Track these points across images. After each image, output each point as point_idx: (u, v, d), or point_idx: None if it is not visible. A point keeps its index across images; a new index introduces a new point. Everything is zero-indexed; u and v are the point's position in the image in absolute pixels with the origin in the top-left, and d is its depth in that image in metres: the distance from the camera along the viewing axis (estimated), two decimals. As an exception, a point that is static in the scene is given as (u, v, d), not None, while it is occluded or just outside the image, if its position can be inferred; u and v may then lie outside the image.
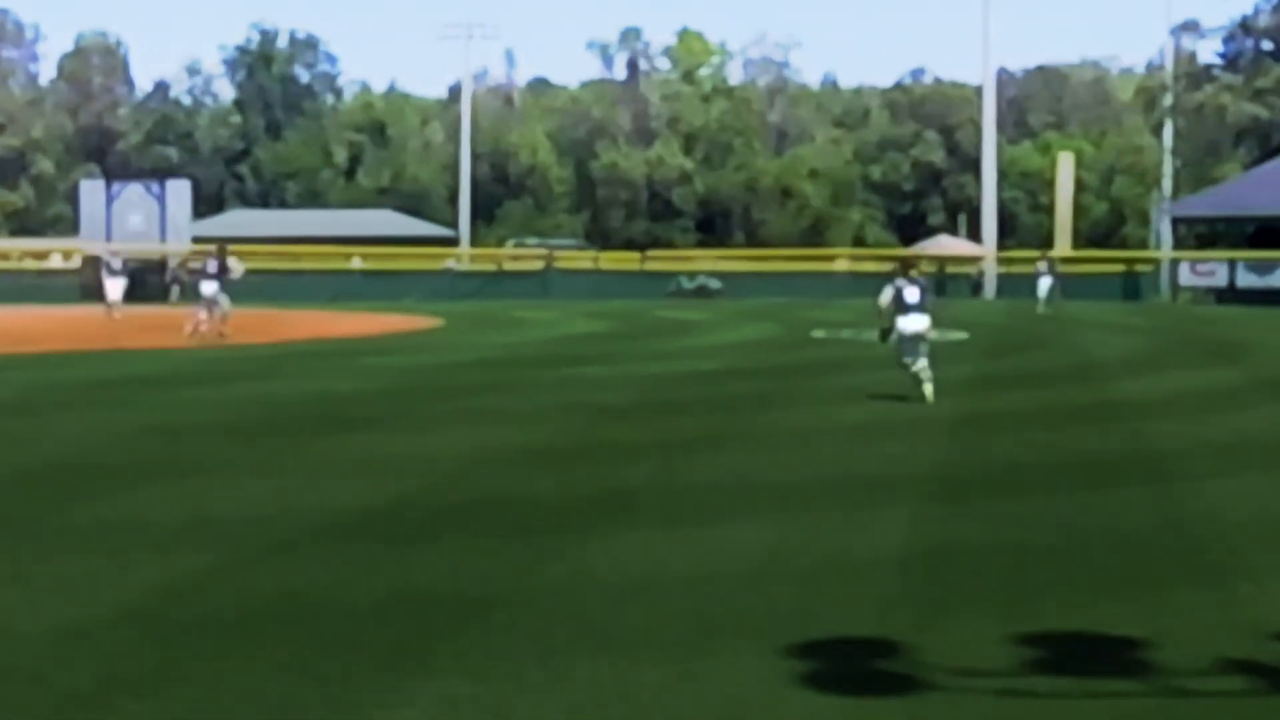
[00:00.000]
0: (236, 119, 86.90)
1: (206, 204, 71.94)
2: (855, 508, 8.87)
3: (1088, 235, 69.68)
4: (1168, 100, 57.45)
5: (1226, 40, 60.63)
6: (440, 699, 5.16)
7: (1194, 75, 59.22)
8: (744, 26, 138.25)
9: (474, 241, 66.07)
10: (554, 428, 13.04)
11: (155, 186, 48.67)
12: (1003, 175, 64.14)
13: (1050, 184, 62.87)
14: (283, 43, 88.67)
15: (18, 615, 6.25)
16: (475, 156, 67.76)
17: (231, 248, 29.89)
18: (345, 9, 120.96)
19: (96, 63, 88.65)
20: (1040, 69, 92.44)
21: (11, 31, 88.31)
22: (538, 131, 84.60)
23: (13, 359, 21.53)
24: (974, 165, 64.96)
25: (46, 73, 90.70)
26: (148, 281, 43.41)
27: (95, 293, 38.74)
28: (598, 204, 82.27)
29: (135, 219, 46.80)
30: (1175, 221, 53.46)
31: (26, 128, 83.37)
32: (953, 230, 77.25)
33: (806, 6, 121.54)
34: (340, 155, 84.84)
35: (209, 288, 26.67)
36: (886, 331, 15.61)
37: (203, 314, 26.41)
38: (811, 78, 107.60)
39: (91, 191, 48.55)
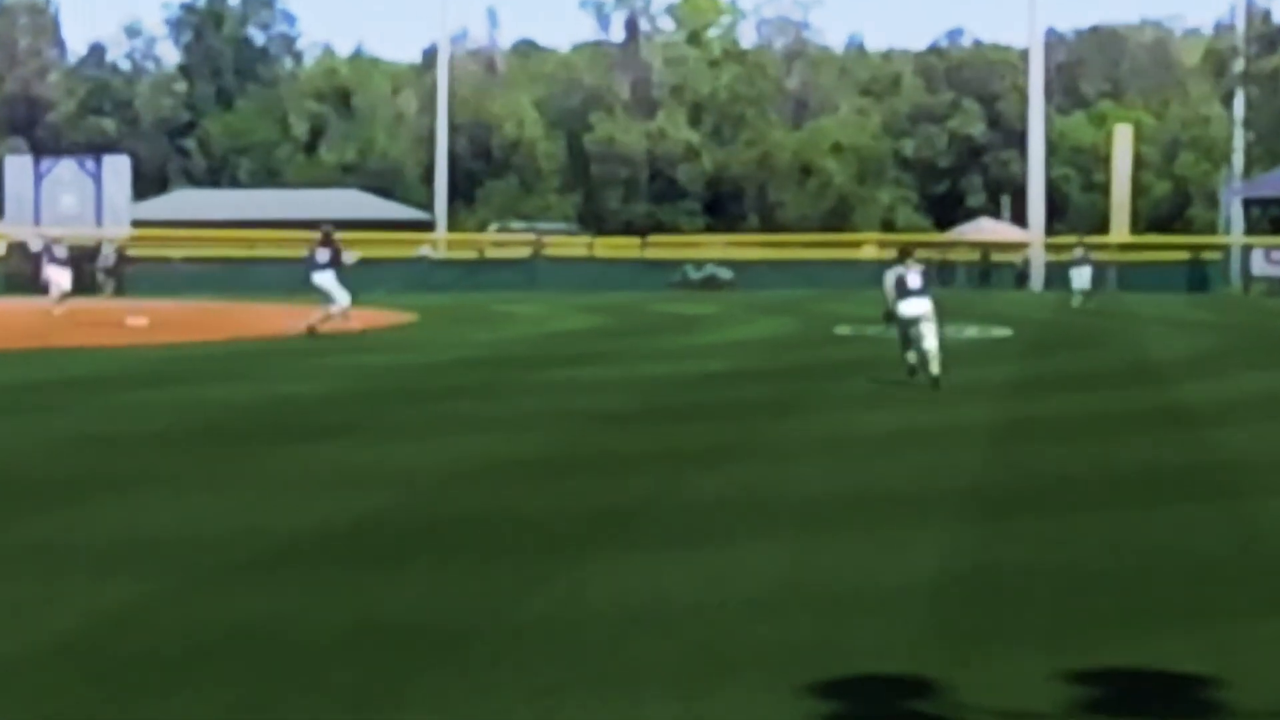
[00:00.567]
0: (182, 87, 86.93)
1: (148, 183, 71.89)
2: (883, 527, 8.88)
3: (1148, 218, 69.78)
4: (1238, 66, 57.48)
5: (1305, -3, 60.70)
6: (414, 743, 5.17)
7: (1268, 37, 59.23)
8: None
9: (452, 225, 66.08)
10: (543, 437, 13.05)
11: (90, 163, 48.68)
12: (1051, 150, 64.22)
13: (1105, 160, 62.96)
14: (234, 0, 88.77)
15: (-65, 649, 6.25)
16: (453, 129, 67.72)
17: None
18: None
19: (23, 23, 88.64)
20: (1094, 30, 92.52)
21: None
22: (524, 101, 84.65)
23: (-71, 359, 21.54)
24: (1019, 139, 65.01)
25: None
26: (82, 271, 43.46)
27: (27, 284, 38.76)
28: (592, 183, 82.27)
29: (68, 200, 46.81)
30: (1247, 203, 53.52)
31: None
32: (995, 213, 77.31)
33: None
34: (300, 128, 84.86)
35: (324, 279, 26.23)
36: (890, 315, 17.46)
37: (334, 308, 26.19)
38: (835, 40, 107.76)
39: (18, 168, 48.51)
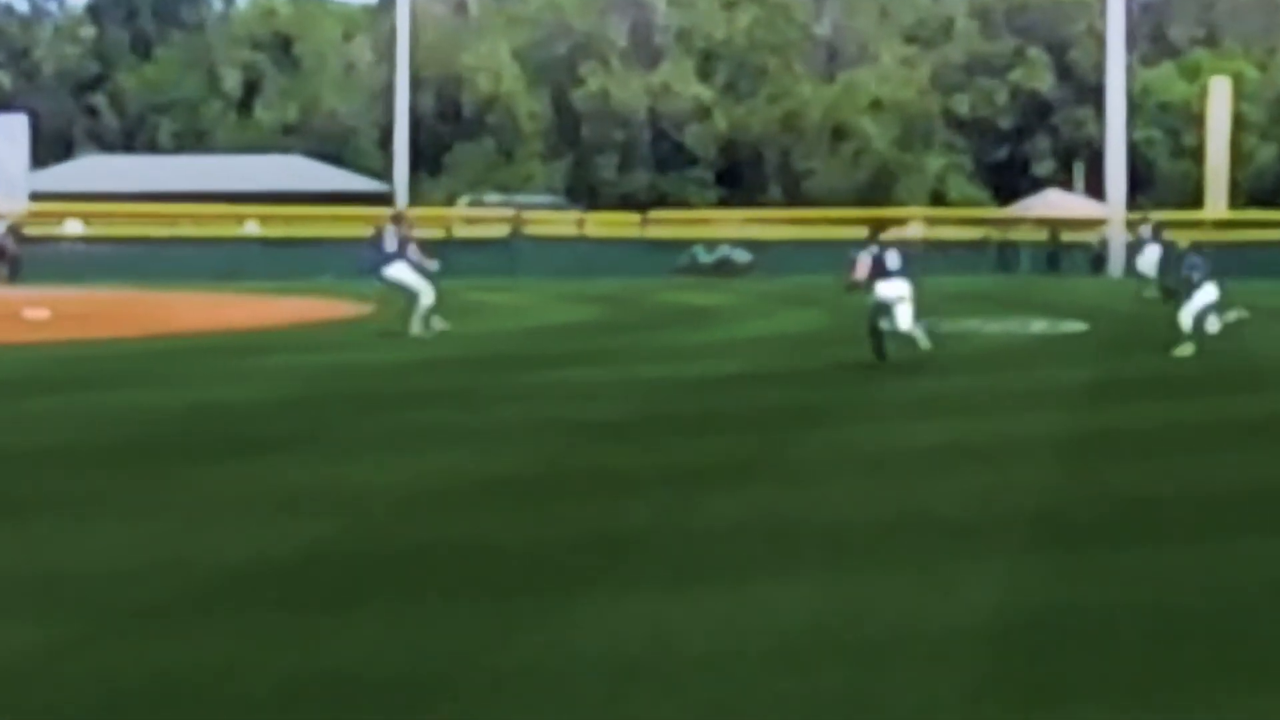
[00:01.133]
0: (90, 33, 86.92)
1: (50, 147, 71.86)
2: (931, 561, 8.88)
3: (1250, 190, 69.68)
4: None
5: None
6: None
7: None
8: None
9: (414, 198, 65.95)
10: (524, 452, 13.05)
11: (-21, 124, 48.66)
12: (1134, 108, 64.15)
13: (1199, 120, 62.94)
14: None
15: None
16: (415, 83, 67.65)
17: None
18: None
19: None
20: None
21: None
22: (500, 50, 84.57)
23: None
24: (1095, 95, 65.00)
25: None
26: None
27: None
28: (582, 148, 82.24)
29: (-49, 168, 46.85)
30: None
31: None
32: (1066, 183, 77.28)
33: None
34: (231, 81, 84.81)
35: (398, 272, 25.83)
36: (853, 286, 20.07)
37: (422, 304, 25.48)
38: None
39: (-106, 131, 48.61)
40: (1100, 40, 60.69)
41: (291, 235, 52.10)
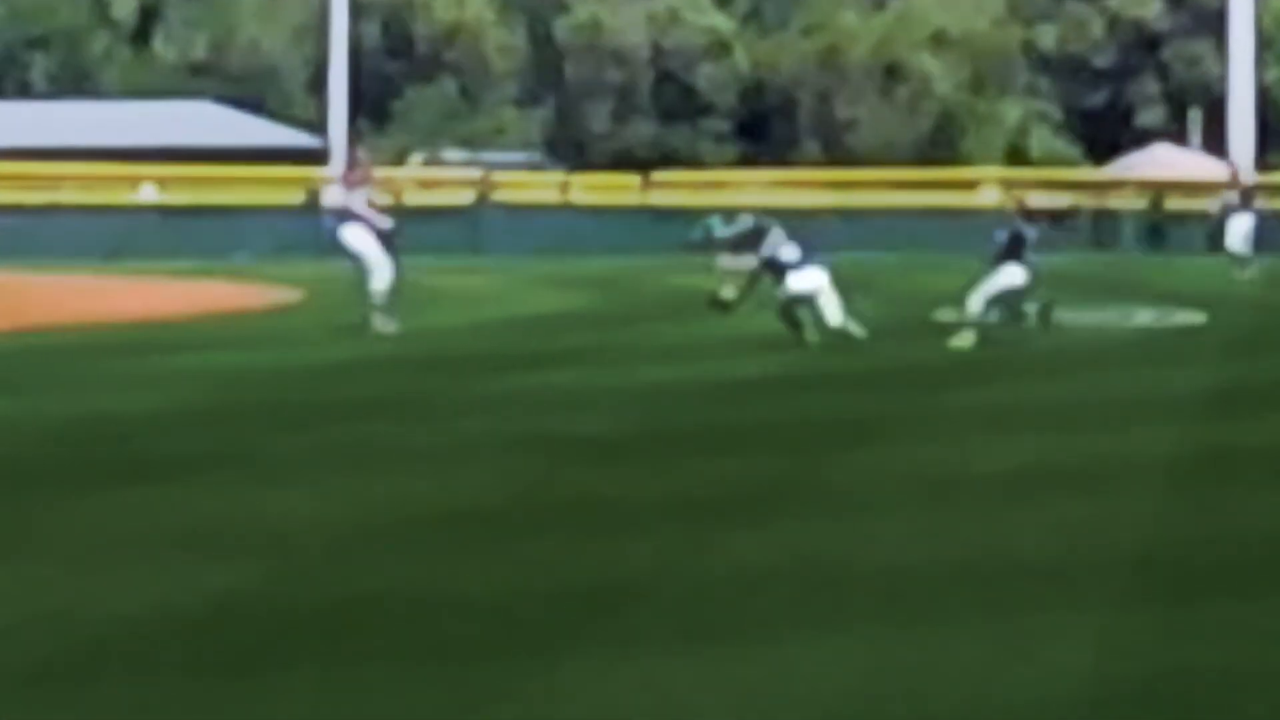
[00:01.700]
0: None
1: (-105, 91, 71.87)
2: (1008, 613, 8.87)
3: None
4: None
5: None
6: None
7: None
8: None
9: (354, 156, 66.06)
10: (493, 476, 13.04)
11: None
12: (1265, 43, 64.16)
13: (1346, 58, 62.92)
14: None
15: None
16: (356, 10, 67.71)
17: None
18: None
19: None
20: None
21: None
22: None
23: None
24: (1215, 25, 64.93)
25: None
26: None
27: None
28: (567, 92, 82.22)
29: None
30: None
31: None
32: (1179, 136, 77.28)
33: None
34: (124, 8, 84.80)
35: (354, 236, 25.57)
36: (720, 303, 22.49)
37: (375, 284, 25.36)
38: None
39: None
40: (1221, -44, 60.72)
41: (199, 202, 52.08)
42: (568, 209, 55.44)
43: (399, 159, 69.12)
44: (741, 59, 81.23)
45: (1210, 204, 55.90)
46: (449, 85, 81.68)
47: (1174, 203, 56.99)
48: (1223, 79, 59.74)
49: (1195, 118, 78.06)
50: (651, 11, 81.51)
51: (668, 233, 51.25)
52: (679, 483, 12.69)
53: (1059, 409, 16.91)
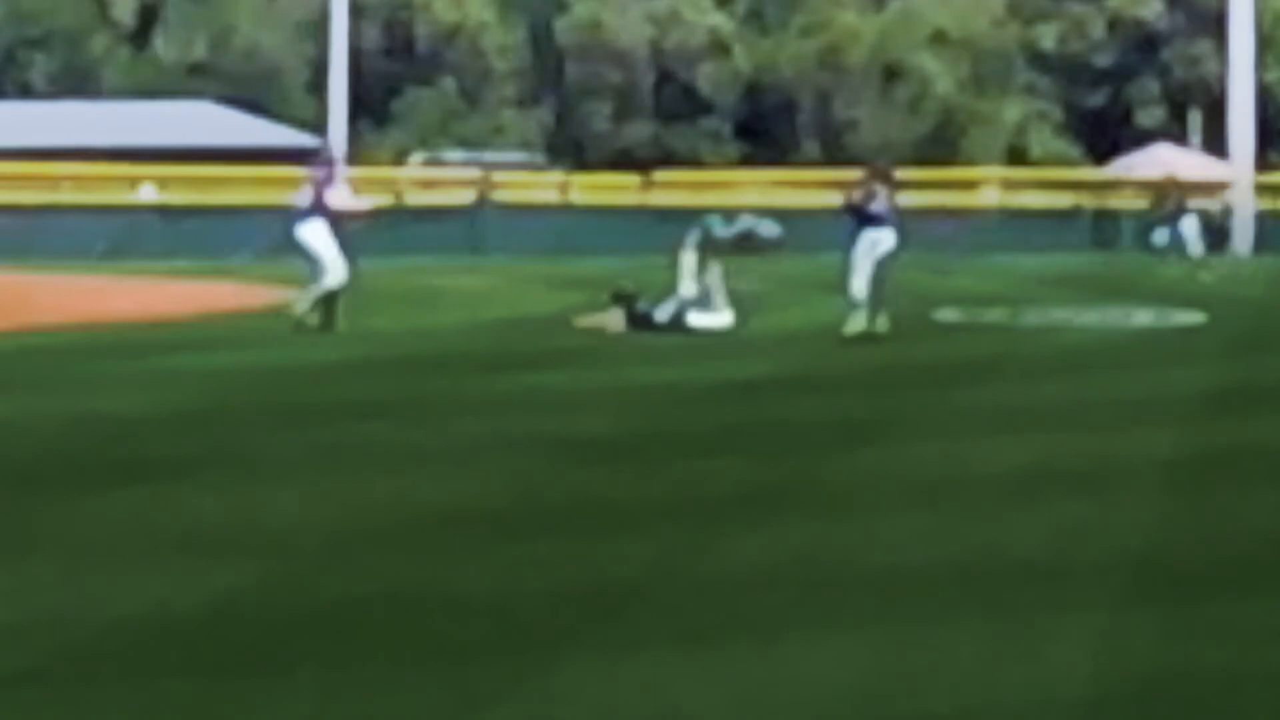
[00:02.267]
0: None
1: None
2: (1009, 614, 8.86)
3: None
4: None
5: None
6: None
7: None
8: None
9: (355, 156, 66.01)
10: (492, 477, 13.03)
11: None
12: (1265, 44, 64.16)
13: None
14: None
15: None
16: (357, 11, 67.73)
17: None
18: None
19: None
20: None
21: None
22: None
23: None
24: (1215, 25, 64.92)
25: None
26: None
27: None
28: (567, 92, 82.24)
29: None
30: None
31: None
32: (1179, 135, 77.31)
33: None
34: (124, 8, 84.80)
35: (310, 233, 25.60)
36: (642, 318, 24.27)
37: (321, 283, 25.28)
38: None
39: None
40: (1221, -45, 60.73)
41: (199, 202, 52.02)
42: (568, 209, 55.46)
43: (399, 159, 69.19)
44: (741, 59, 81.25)
45: (1210, 203, 56.04)
46: (449, 85, 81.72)
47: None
48: (1223, 79, 59.73)
49: (1195, 118, 78.08)
50: (651, 11, 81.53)
51: (666, 233, 51.24)
52: (679, 483, 12.69)
53: (1059, 409, 16.91)
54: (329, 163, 27.69)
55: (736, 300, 25.87)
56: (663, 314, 25.70)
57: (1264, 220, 52.45)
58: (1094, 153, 76.68)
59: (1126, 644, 8.37)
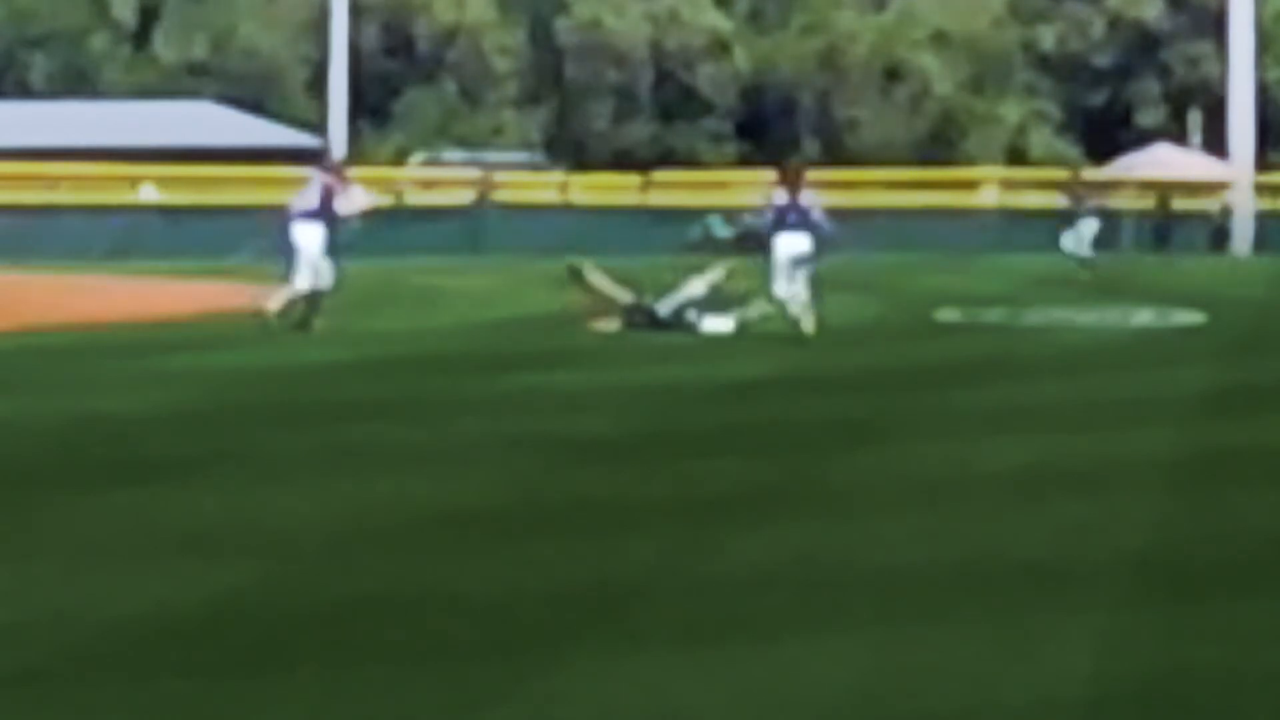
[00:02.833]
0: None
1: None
2: (1009, 615, 8.87)
3: None
4: None
5: None
6: None
7: None
8: None
9: (355, 155, 65.96)
10: (492, 478, 13.04)
11: None
12: (1265, 44, 64.12)
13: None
14: None
15: None
16: (356, 11, 67.68)
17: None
18: None
19: None
20: None
21: None
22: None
23: None
24: (1215, 25, 64.90)
25: None
26: None
27: None
28: (567, 93, 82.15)
29: None
30: None
31: None
32: (1179, 136, 77.20)
33: None
34: (124, 8, 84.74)
35: (303, 235, 25.61)
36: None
37: (296, 285, 25.28)
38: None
39: None
40: (1221, -44, 60.71)
41: (199, 202, 52.00)
42: (568, 209, 55.44)
43: (399, 160, 69.15)
44: (741, 59, 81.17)
45: (1210, 204, 56.13)
46: (449, 85, 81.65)
47: (1174, 203, 57.05)
48: (1223, 79, 59.72)
49: (1195, 118, 78.02)
50: (651, 11, 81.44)
51: (667, 233, 51.43)
52: (679, 483, 12.69)
53: (1059, 409, 16.90)
54: (337, 168, 27.53)
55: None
56: (665, 309, 25.61)
57: (1264, 220, 52.43)
58: (1094, 153, 76.56)
59: (1126, 644, 8.38)
